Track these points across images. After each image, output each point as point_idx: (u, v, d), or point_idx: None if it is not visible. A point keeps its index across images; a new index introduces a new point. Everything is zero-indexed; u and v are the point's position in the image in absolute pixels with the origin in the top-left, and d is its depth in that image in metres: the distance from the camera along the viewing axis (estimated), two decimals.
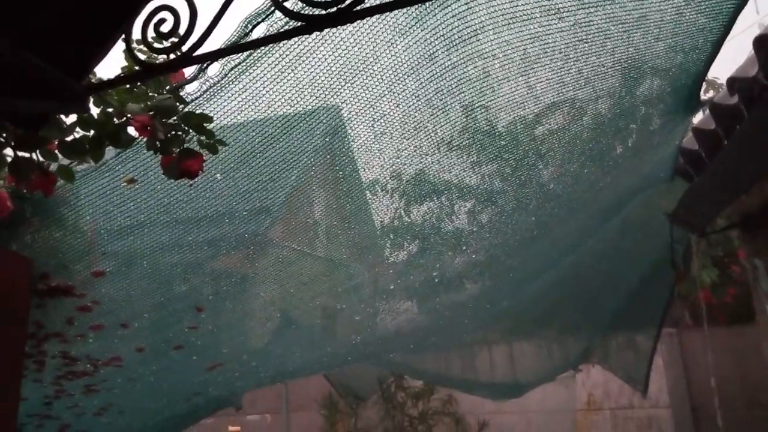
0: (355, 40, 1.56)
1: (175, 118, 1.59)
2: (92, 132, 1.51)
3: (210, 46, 1.32)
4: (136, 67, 1.35)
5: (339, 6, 1.15)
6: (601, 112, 2.11)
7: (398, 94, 1.71)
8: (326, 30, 1.41)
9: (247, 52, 1.60)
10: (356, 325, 3.65)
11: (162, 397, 3.31)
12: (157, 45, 1.34)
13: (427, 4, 1.53)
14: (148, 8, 1.30)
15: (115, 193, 1.93)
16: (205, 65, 1.62)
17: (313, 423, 6.46)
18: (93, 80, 1.38)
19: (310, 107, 1.72)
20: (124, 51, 1.44)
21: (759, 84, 2.42)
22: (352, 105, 1.73)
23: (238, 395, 4.51)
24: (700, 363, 5.85)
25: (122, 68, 1.58)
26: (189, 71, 1.68)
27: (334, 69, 1.62)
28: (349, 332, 3.72)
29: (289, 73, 1.64)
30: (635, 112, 2.24)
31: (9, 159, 1.36)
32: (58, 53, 1.22)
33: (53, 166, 1.53)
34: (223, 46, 1.33)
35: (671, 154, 3.05)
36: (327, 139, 1.88)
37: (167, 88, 1.66)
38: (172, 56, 1.30)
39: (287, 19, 1.28)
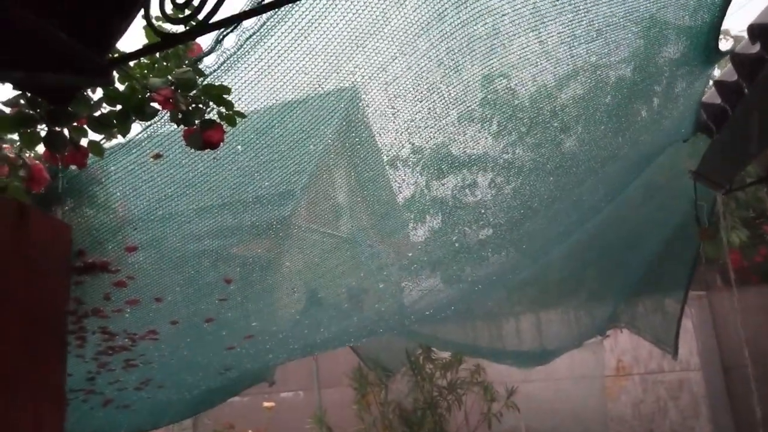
0: (365, 2, 1.59)
1: (195, 90, 1.66)
2: (118, 107, 1.58)
3: (225, 14, 1.37)
4: (157, 40, 1.40)
5: None
6: (615, 67, 2.10)
7: (409, 56, 1.73)
8: None
9: (261, 23, 1.64)
10: (382, 299, 3.71)
11: (197, 370, 3.43)
12: (174, 17, 1.39)
13: None
14: None
15: (143, 169, 2.01)
16: (221, 37, 1.67)
17: (345, 397, 6.61)
18: (116, 55, 1.44)
19: (324, 74, 1.76)
20: (144, 27, 1.50)
21: None
22: (365, 69, 1.76)
23: (270, 369, 4.65)
24: (730, 324, 5.79)
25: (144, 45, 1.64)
26: (206, 45, 1.74)
27: (345, 33, 1.65)
28: (375, 305, 3.78)
29: (302, 41, 1.68)
30: (649, 64, 2.22)
31: (43, 134, 1.44)
32: (81, 27, 1.28)
33: (84, 142, 1.61)
34: (236, 12, 1.38)
35: (692, 110, 3.01)
36: (342, 106, 1.92)
37: (186, 62, 1.72)
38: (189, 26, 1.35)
39: None
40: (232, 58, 1.67)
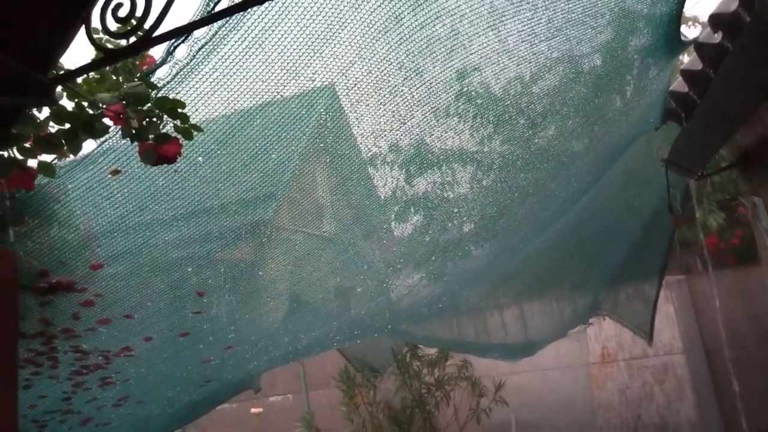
0: (318, 8, 1.55)
1: (148, 104, 1.61)
2: (67, 125, 1.53)
3: (169, 26, 1.32)
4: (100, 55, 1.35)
5: None
6: (579, 62, 2.09)
7: (369, 60, 1.70)
8: None
9: (212, 32, 1.60)
10: (365, 299, 3.69)
11: (176, 384, 3.38)
12: (117, 31, 1.34)
13: None
14: None
15: (102, 186, 1.96)
16: (172, 48, 1.62)
17: (333, 399, 6.58)
18: (58, 72, 1.39)
19: (282, 81, 1.72)
20: (88, 38, 1.45)
21: (739, 18, 2.38)
22: (323, 75, 1.73)
23: (254, 377, 4.59)
24: (711, 307, 5.87)
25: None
26: (158, 56, 1.69)
27: (301, 39, 1.62)
28: (358, 306, 3.76)
29: (257, 49, 1.64)
30: (613, 58, 2.22)
31: None
32: (19, 46, 1.23)
33: (34, 163, 1.55)
34: (180, 25, 1.33)
35: (659, 99, 3.02)
36: (305, 112, 1.88)
37: (138, 75, 1.67)
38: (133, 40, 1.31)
39: None
40: (185, 70, 1.63)
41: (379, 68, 1.75)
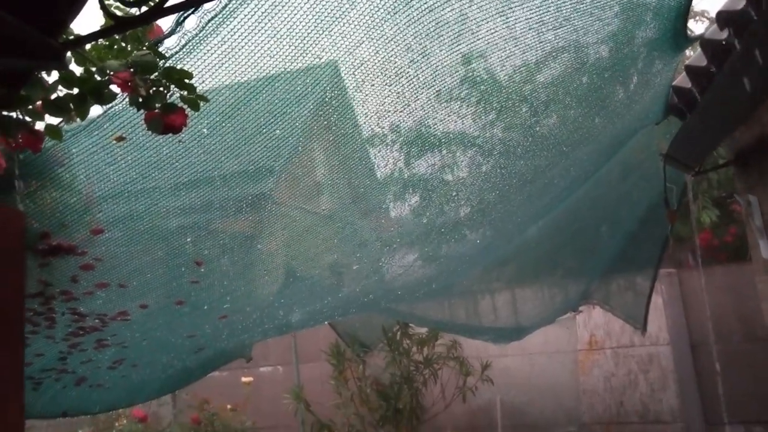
0: None
1: (155, 74, 1.62)
2: (75, 90, 1.54)
3: None
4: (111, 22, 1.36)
5: None
6: (584, 52, 2.10)
7: (376, 40, 1.71)
8: None
9: (222, 4, 1.61)
10: (360, 277, 3.73)
11: (170, 350, 3.44)
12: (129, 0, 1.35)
13: None
14: None
15: (106, 152, 1.98)
16: (182, 19, 1.63)
17: (323, 372, 6.69)
18: (69, 37, 1.40)
19: (289, 57, 1.73)
20: (100, 5, 1.46)
21: (747, 16, 2.39)
22: (331, 53, 1.74)
23: (246, 347, 4.67)
24: (699, 301, 5.96)
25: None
26: (167, 26, 1.69)
27: (310, 17, 1.62)
28: (353, 284, 3.80)
29: (266, 24, 1.65)
30: (619, 50, 2.23)
31: None
32: (31, 10, 1.24)
33: (41, 125, 1.57)
34: None
35: (662, 94, 3.03)
36: (310, 89, 1.90)
37: (146, 44, 1.68)
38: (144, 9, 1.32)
39: None
40: (193, 41, 1.64)
41: (386, 49, 1.76)
